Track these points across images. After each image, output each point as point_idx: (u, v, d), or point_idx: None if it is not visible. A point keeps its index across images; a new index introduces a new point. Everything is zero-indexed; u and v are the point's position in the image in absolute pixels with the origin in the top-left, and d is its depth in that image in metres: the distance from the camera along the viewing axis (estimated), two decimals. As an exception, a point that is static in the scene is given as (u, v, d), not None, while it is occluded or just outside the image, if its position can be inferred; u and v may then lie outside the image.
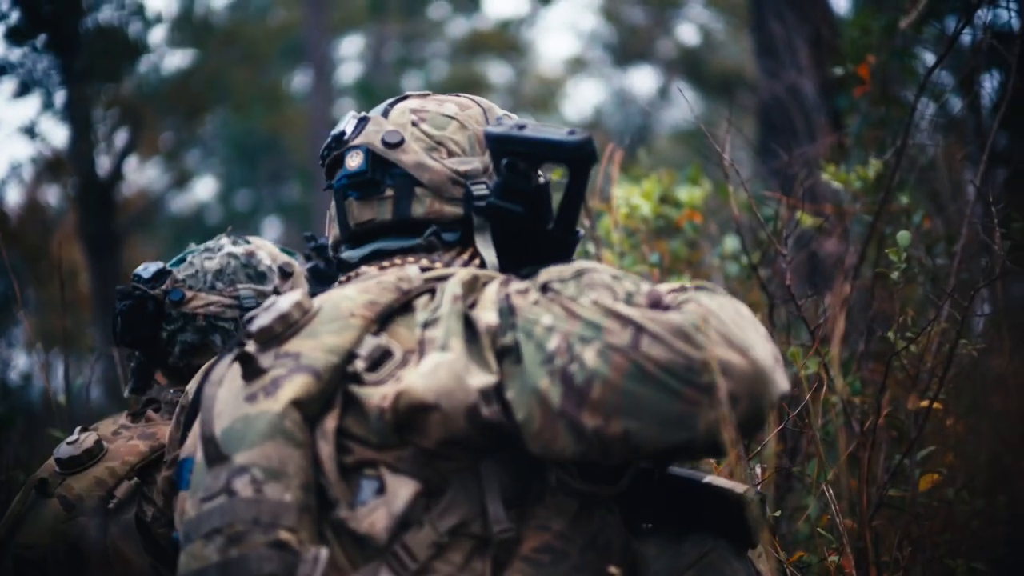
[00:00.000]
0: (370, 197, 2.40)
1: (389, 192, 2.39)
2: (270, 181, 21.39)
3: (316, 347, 2.10)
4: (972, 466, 3.31)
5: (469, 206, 2.37)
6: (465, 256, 2.39)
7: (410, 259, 2.35)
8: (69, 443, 3.04)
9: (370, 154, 2.41)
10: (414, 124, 2.45)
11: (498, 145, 2.31)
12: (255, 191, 22.08)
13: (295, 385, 2.06)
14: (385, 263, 2.36)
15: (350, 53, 21.87)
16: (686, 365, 1.89)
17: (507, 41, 21.76)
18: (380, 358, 2.09)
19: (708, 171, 5.59)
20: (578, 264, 2.13)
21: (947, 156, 4.59)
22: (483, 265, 2.36)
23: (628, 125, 19.47)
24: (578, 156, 2.25)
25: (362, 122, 2.48)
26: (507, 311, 2.04)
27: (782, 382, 1.95)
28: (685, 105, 4.54)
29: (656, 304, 2.02)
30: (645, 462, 2.10)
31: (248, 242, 3.39)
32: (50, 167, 14.34)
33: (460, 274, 2.16)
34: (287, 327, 2.15)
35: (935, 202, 4.63)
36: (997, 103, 4.16)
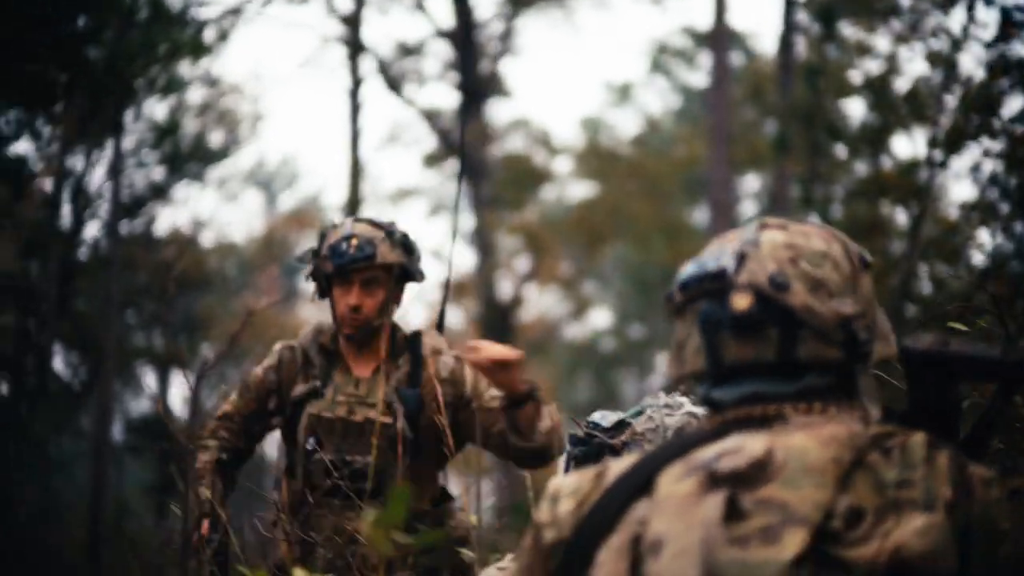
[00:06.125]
0: (750, 335, 2.35)
1: (772, 332, 2.35)
2: (665, 314, 21.67)
3: (804, 499, 2.09)
4: None
5: (853, 352, 2.29)
6: (856, 412, 2.32)
7: (800, 405, 2.30)
8: None
9: (759, 295, 2.37)
10: (791, 261, 2.36)
11: (922, 359, 2.30)
12: (649, 324, 22.31)
13: (796, 538, 2.04)
14: (771, 408, 2.29)
15: (751, 190, 21.94)
16: None
17: (910, 184, 21.38)
18: (854, 517, 2.05)
19: None
20: None
21: None
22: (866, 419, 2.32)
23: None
24: (1017, 376, 2.20)
25: (742, 258, 2.45)
26: (964, 494, 2.05)
27: None
28: None
29: None
30: None
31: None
32: (456, 290, 15.07)
33: (918, 438, 2.14)
34: (757, 472, 2.13)
35: None
36: None
